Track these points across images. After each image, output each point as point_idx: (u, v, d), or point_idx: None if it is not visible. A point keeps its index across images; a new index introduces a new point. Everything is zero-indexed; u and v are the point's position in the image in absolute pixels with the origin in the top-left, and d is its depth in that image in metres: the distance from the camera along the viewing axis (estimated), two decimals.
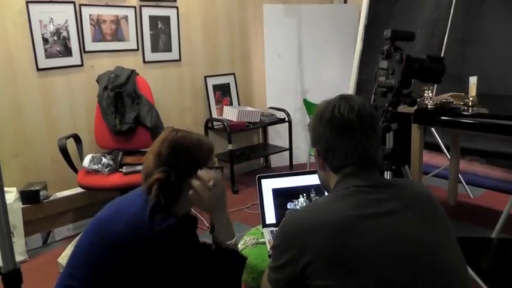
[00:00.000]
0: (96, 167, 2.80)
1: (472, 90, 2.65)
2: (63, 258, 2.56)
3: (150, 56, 3.61)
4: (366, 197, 1.04)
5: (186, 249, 1.20)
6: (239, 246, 1.77)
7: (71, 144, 3.00)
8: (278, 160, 4.58)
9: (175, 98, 3.86)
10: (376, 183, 1.09)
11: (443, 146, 3.29)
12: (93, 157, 2.86)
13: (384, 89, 1.77)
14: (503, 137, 2.60)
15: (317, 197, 1.96)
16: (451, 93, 2.64)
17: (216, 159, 1.37)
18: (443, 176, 3.47)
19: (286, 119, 4.25)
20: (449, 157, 3.18)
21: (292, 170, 4.31)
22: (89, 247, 1.23)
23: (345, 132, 1.09)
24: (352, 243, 0.96)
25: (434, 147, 3.45)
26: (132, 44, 3.49)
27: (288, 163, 4.41)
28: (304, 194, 1.96)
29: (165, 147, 1.26)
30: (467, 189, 3.36)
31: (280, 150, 4.34)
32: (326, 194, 1.25)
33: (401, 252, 0.97)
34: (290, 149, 4.34)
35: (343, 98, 1.14)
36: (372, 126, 1.11)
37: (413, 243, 0.99)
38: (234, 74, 4.26)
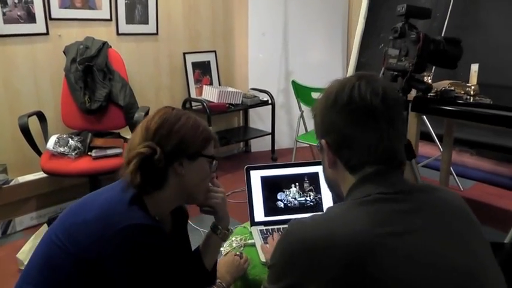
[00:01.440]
0: (62, 149, 2.53)
1: (473, 79, 2.48)
2: (24, 253, 2.30)
3: (124, 27, 3.31)
4: (391, 209, 0.82)
5: (151, 258, 1.00)
6: (223, 249, 1.56)
7: (34, 123, 2.70)
8: (259, 144, 4.39)
9: (151, 75, 3.60)
10: (402, 189, 0.86)
11: (435, 136, 3.14)
12: (58, 138, 2.58)
13: (395, 73, 1.55)
14: (494, 128, 2.45)
15: (311, 187, 1.77)
16: (450, 81, 2.47)
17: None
18: (432, 167, 3.34)
19: (270, 102, 4.05)
20: (441, 148, 3.04)
21: (274, 155, 4.14)
22: (50, 245, 1.04)
23: (367, 121, 0.87)
24: (372, 273, 0.75)
25: (424, 136, 3.30)
26: (104, 13, 3.18)
27: (269, 148, 4.21)
28: (297, 184, 1.76)
29: (155, 121, 1.11)
30: (457, 181, 3.24)
31: (263, 134, 4.15)
32: (331, 194, 1.02)
33: (437, 285, 0.76)
34: (272, 133, 4.14)
35: (363, 77, 0.90)
36: (399, 114, 0.90)
37: (451, 272, 0.78)
38: (215, 51, 4.01)
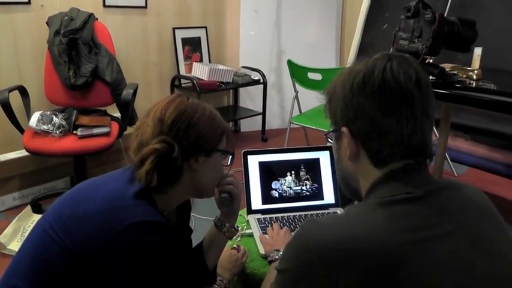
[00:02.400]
0: (45, 127, 2.41)
1: (476, 63, 2.40)
2: (6, 236, 2.19)
3: None
4: (419, 212, 0.74)
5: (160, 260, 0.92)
6: None
7: (15, 98, 2.55)
8: (248, 124, 4.30)
9: (139, 51, 3.46)
10: (431, 188, 0.78)
11: None
12: (42, 115, 2.45)
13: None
14: (491, 113, 2.39)
15: (308, 176, 1.68)
16: (452, 65, 2.39)
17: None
18: None
19: (261, 81, 3.94)
20: (437, 133, 2.99)
21: (264, 135, 4.06)
22: (44, 236, 0.95)
23: (402, 108, 0.77)
24: (400, 283, 0.67)
25: None
26: None
27: (259, 128, 4.14)
28: (293, 172, 1.67)
29: (171, 112, 1.00)
30: (452, 166, 3.20)
31: (253, 114, 4.06)
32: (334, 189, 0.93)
33: None
34: (263, 113, 4.05)
35: (393, 58, 0.79)
36: (431, 101, 0.80)
37: (483, 279, 0.72)
38: (206, 27, 3.87)
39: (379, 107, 0.78)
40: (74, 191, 1.02)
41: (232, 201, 1.18)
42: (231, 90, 4.24)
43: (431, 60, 2.29)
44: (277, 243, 1.36)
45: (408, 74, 0.77)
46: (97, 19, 2.85)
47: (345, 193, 0.94)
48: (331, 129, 0.89)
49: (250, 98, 4.27)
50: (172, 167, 0.98)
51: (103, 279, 0.90)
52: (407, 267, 0.68)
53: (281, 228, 1.49)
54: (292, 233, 1.44)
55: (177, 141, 0.98)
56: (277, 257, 1.28)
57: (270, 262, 1.30)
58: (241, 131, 4.34)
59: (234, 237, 1.48)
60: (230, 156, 1.12)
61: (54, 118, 2.46)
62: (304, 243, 0.75)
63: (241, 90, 4.22)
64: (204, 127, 1.02)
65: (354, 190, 0.89)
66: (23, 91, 2.64)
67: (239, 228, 1.28)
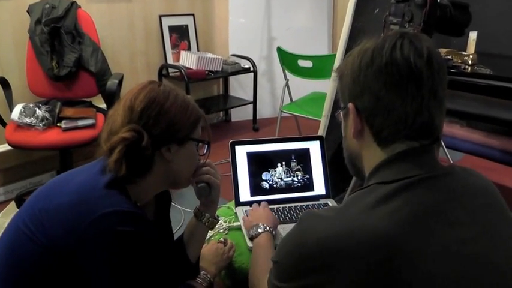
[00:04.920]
0: (28, 120, 2.37)
1: (471, 47, 2.40)
2: None
3: None
4: (426, 198, 0.74)
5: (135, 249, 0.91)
6: None
7: None
8: (239, 114, 4.27)
9: (124, 39, 3.40)
10: (437, 172, 0.77)
11: None
12: (24, 108, 2.41)
13: None
14: (487, 99, 2.38)
15: (299, 167, 1.67)
16: (446, 50, 2.38)
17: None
18: None
19: (251, 69, 3.91)
20: None
21: (256, 124, 4.04)
22: (18, 233, 0.94)
23: (409, 85, 0.76)
24: (406, 275, 0.67)
25: None
26: None
27: (250, 117, 4.11)
28: (283, 163, 1.65)
29: (140, 100, 0.99)
30: (447, 153, 3.19)
31: (244, 103, 4.03)
32: (351, 170, 0.93)
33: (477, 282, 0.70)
34: (254, 102, 4.03)
35: (405, 35, 0.79)
36: (442, 81, 0.79)
37: (492, 268, 0.72)
38: (193, 14, 3.81)
39: (384, 84, 0.77)
40: (47, 185, 1.01)
41: (210, 190, 1.17)
42: (221, 79, 4.20)
43: None
44: (256, 219, 1.37)
45: (419, 52, 0.77)
46: (80, 7, 2.78)
47: (351, 173, 0.94)
48: (341, 107, 0.89)
49: (240, 86, 4.23)
50: (143, 157, 0.97)
51: (80, 274, 0.89)
52: (412, 258, 0.68)
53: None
54: (276, 216, 1.45)
55: (147, 129, 0.97)
56: (256, 232, 1.30)
57: (251, 239, 1.32)
58: (232, 120, 4.32)
59: (222, 230, 1.47)
60: (206, 145, 1.11)
61: (37, 110, 2.42)
62: (302, 236, 0.75)
63: (231, 79, 4.19)
64: (176, 115, 1.01)
65: (358, 170, 0.89)
66: (4, 83, 2.59)
67: (220, 219, 1.27)
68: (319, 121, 2.39)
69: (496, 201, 0.82)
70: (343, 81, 0.85)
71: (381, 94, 0.77)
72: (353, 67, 0.82)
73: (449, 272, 0.69)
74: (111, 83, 2.49)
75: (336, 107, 2.26)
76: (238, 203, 1.58)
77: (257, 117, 4.09)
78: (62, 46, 2.62)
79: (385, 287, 0.67)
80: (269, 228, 1.31)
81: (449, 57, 2.16)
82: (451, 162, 3.20)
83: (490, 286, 0.71)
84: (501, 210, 0.81)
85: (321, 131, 2.30)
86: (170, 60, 3.67)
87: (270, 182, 1.62)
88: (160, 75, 3.66)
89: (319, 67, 3.07)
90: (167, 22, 3.63)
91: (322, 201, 1.61)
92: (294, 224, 0.82)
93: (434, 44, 0.80)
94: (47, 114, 2.43)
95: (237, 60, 3.95)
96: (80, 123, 2.43)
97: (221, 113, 4.33)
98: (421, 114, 0.77)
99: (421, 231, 0.70)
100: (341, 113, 0.89)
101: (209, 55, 3.72)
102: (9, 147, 2.55)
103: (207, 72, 3.62)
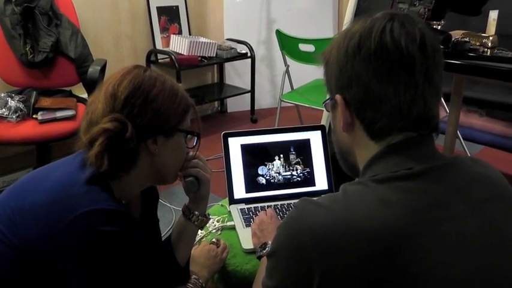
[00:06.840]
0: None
1: (491, 28, 2.35)
2: None
3: None
4: (424, 190, 0.75)
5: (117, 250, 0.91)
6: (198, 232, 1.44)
7: None
8: (236, 104, 4.28)
9: (108, 22, 3.38)
10: (437, 163, 0.78)
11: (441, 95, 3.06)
12: None
13: None
14: (508, 84, 2.35)
15: (298, 160, 1.66)
16: (463, 31, 2.34)
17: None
18: None
19: (249, 54, 3.92)
20: (447, 109, 2.96)
21: (254, 115, 4.04)
22: None
23: (400, 73, 0.76)
24: (405, 267, 0.68)
25: None
26: None
27: (248, 108, 4.12)
28: (281, 156, 1.64)
29: (124, 86, 0.98)
30: (464, 145, 3.18)
31: (241, 92, 4.05)
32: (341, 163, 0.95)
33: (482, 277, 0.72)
34: (252, 91, 4.03)
35: (394, 17, 0.79)
36: (438, 66, 0.80)
37: (494, 266, 0.74)
38: None
39: (374, 73, 0.77)
40: (21, 181, 1.01)
41: (199, 185, 1.17)
42: (215, 66, 4.22)
43: (439, 27, 2.24)
44: (264, 236, 1.34)
45: (411, 36, 0.76)
46: None
47: (344, 169, 0.95)
48: (327, 98, 0.90)
49: (237, 74, 4.24)
50: (126, 149, 0.96)
51: (58, 278, 0.89)
52: (413, 250, 0.69)
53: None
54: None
55: (131, 119, 0.96)
56: (264, 251, 1.27)
57: (259, 258, 1.29)
58: (228, 111, 4.32)
59: (214, 230, 1.46)
60: (195, 138, 1.11)
61: (10, 101, 2.40)
62: (298, 225, 0.75)
63: (227, 65, 4.21)
64: (163, 104, 1.00)
65: (351, 165, 0.89)
66: None
67: (210, 217, 1.26)
68: (323, 111, 2.37)
69: (503, 192, 0.82)
70: (329, 70, 0.85)
71: (371, 84, 0.77)
72: (339, 55, 0.81)
73: (453, 268, 0.70)
74: (93, 70, 2.47)
75: None
76: (233, 201, 1.58)
77: (255, 108, 4.10)
78: (36, 29, 2.61)
79: (384, 278, 0.68)
80: None
81: (467, 39, 2.11)
82: (469, 155, 3.19)
83: (493, 282, 0.72)
84: (508, 200, 0.82)
85: (324, 121, 2.28)
86: (159, 45, 3.67)
87: (267, 177, 1.62)
88: (148, 61, 3.66)
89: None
90: (155, 3, 3.63)
91: None
92: None
93: (426, 26, 0.79)
94: (20, 105, 2.41)
95: (233, 44, 3.96)
96: (59, 114, 2.42)
97: (216, 103, 4.33)
98: (416, 103, 0.77)
99: (421, 223, 0.71)
100: (329, 103, 0.88)
101: (202, 39, 3.73)
102: None
103: (199, 58, 3.65)
